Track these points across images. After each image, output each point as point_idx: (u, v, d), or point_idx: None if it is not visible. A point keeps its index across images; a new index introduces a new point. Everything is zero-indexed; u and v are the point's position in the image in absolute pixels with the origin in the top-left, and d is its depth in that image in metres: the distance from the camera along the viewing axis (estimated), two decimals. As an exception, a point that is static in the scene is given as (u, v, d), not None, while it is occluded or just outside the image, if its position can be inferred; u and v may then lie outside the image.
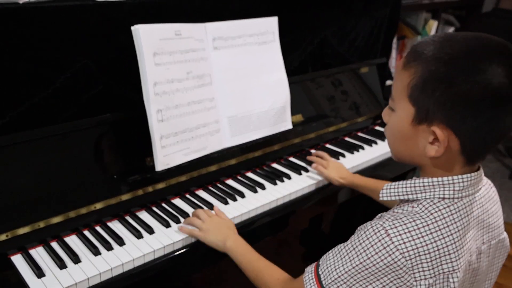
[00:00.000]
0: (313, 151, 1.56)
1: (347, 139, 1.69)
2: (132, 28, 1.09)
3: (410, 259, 0.74)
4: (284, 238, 2.05)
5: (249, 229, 1.20)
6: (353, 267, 0.78)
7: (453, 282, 0.76)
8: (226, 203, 1.22)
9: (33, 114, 1.07)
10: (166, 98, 1.15)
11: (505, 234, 0.92)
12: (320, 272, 0.84)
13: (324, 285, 0.82)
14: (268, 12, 1.42)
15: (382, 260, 0.75)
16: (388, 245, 0.75)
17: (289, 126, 1.48)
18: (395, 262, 0.75)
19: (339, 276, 0.80)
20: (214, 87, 1.28)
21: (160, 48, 1.14)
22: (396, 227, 0.76)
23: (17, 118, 1.05)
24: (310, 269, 0.87)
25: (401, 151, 0.85)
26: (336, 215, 2.05)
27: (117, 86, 1.19)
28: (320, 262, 0.86)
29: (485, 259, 0.87)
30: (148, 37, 1.11)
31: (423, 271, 0.75)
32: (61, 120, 1.10)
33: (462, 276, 0.79)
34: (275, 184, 1.33)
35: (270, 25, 1.41)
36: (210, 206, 1.20)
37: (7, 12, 0.98)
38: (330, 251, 0.86)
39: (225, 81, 1.31)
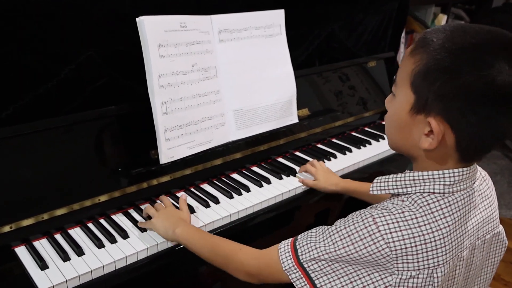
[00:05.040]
0: (319, 145, 1.55)
1: (354, 133, 1.67)
2: (137, 19, 1.08)
3: (395, 250, 0.73)
4: (290, 234, 2.04)
5: (253, 223, 1.19)
6: (335, 250, 0.76)
7: (437, 277, 0.75)
8: (231, 196, 1.21)
9: (37, 106, 1.07)
10: (171, 90, 1.14)
11: (500, 228, 0.90)
12: (297, 246, 0.82)
13: (301, 260, 0.80)
14: (274, 5, 1.40)
15: (365, 248, 0.74)
16: (374, 233, 0.73)
17: (295, 120, 1.46)
18: (379, 251, 0.73)
19: (319, 256, 0.78)
20: (219, 80, 1.27)
21: (165, 40, 1.13)
22: (384, 216, 0.75)
23: (21, 109, 1.04)
24: (286, 242, 0.86)
25: (397, 139, 0.83)
26: (342, 210, 2.04)
27: (122, 78, 1.18)
28: (299, 237, 0.84)
29: (479, 254, 0.86)
30: (153, 29, 1.10)
31: (407, 263, 0.73)
32: (66, 112, 1.09)
33: (448, 271, 0.77)
34: (281, 178, 1.31)
35: (276, 17, 1.39)
36: (215, 199, 1.19)
37: (12, 3, 0.98)
38: (313, 229, 0.84)
39: (230, 74, 1.30)
